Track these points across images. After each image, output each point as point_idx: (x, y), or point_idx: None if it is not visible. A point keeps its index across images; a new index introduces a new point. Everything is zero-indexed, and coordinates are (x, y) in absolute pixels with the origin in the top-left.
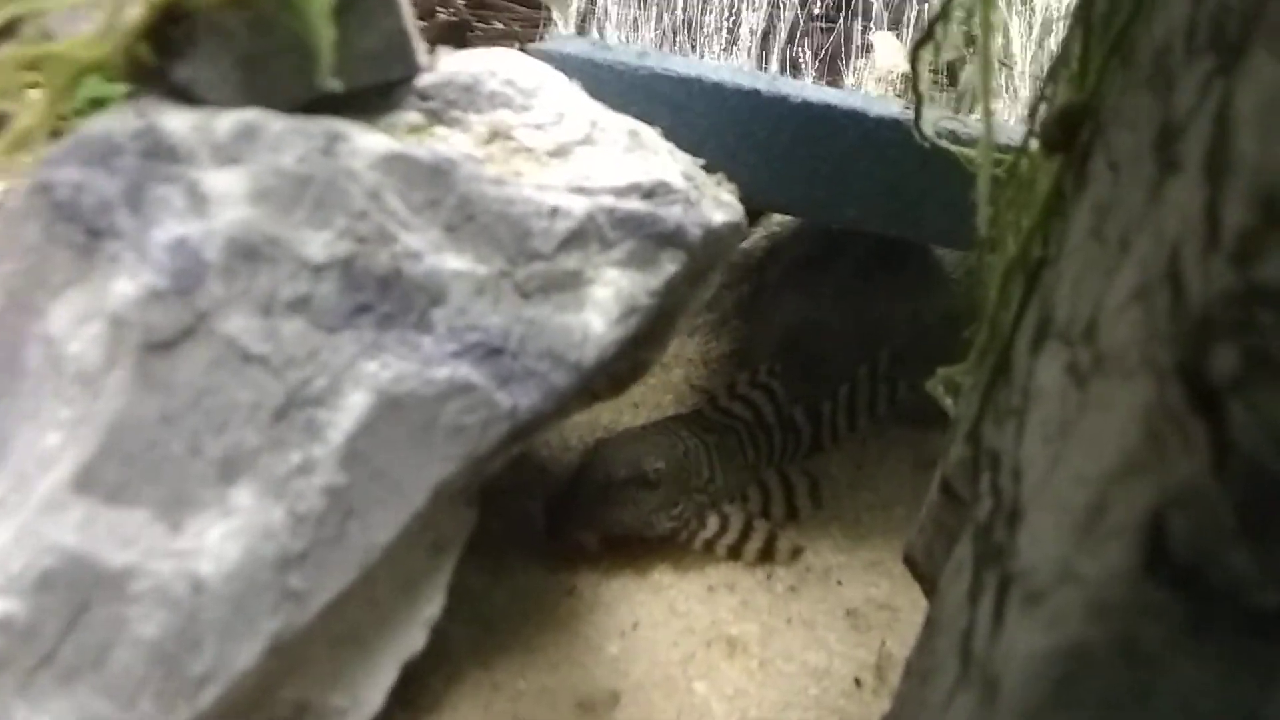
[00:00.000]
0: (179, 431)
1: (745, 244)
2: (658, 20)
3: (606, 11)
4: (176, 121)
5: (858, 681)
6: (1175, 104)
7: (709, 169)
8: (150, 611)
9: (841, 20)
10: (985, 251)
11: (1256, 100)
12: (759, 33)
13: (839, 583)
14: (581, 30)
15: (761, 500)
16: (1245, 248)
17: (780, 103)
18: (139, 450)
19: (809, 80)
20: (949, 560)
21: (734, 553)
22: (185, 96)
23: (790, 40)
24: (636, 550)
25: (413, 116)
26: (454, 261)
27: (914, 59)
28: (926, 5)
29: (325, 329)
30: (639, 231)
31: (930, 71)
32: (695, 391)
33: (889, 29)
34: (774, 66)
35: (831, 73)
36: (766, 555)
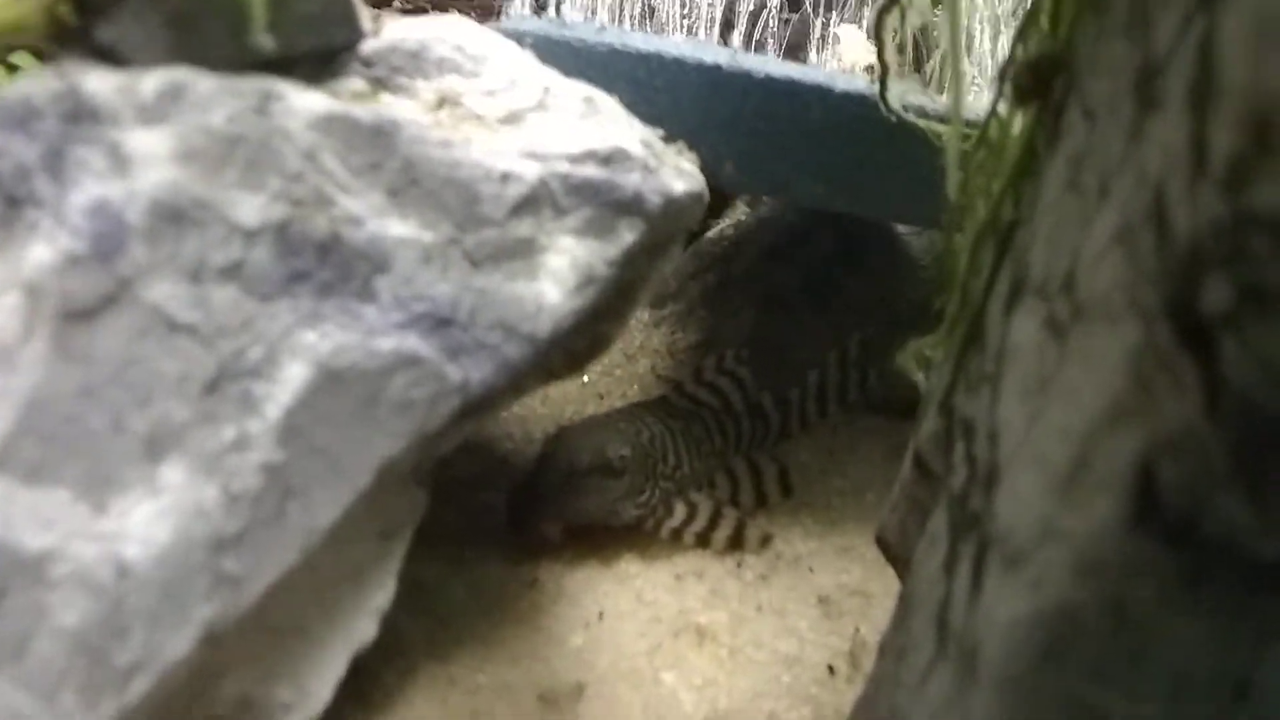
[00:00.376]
0: (101, 406)
1: (711, 234)
2: (618, 9)
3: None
4: (99, 83)
5: (831, 669)
6: (1154, 44)
7: (669, 141)
8: (72, 598)
9: (802, 10)
10: (955, 219)
11: (1242, 26)
12: (718, 22)
13: (810, 569)
14: (539, 12)
15: (730, 488)
16: (1235, 174)
17: (743, 78)
18: (58, 426)
19: None
20: (923, 535)
21: (702, 540)
22: (110, 58)
23: (750, 31)
24: (601, 540)
25: (356, 84)
26: (398, 227)
27: (879, 26)
28: None
29: (259, 297)
30: (595, 199)
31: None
32: (661, 382)
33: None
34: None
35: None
36: (736, 543)
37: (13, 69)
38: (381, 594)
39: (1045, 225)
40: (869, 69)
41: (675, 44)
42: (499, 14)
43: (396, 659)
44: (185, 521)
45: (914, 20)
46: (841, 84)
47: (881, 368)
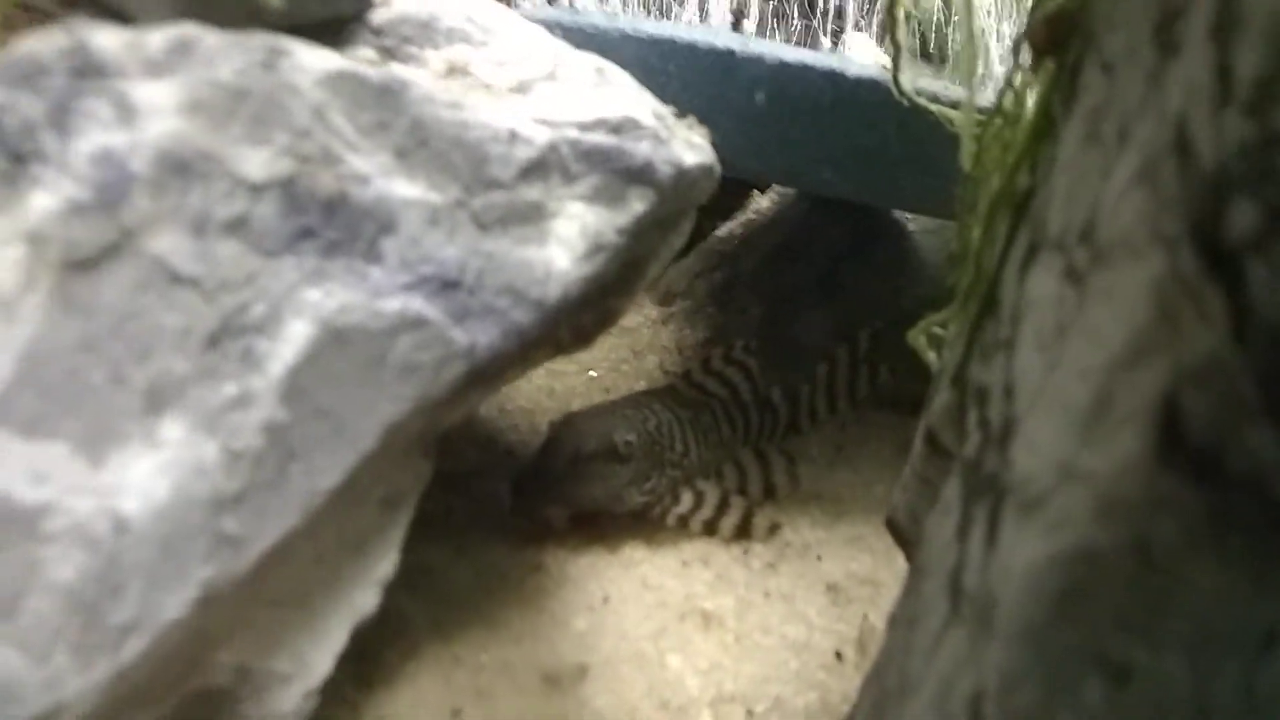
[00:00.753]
0: (101, 358)
1: (720, 233)
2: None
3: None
4: (107, 39)
5: (839, 655)
6: None
7: (680, 117)
8: (67, 553)
9: (809, 19)
10: (968, 192)
11: None
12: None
13: (819, 558)
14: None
15: (737, 478)
16: (1261, 95)
17: (755, 63)
18: (57, 379)
19: None
20: (935, 506)
21: (709, 528)
22: (118, 17)
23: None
24: (606, 526)
25: (365, 53)
26: (405, 188)
27: (891, 4)
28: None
29: (264, 253)
30: (605, 165)
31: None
32: (670, 379)
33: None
34: None
35: None
36: (743, 531)
37: None
38: (384, 565)
39: (1063, 183)
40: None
41: (687, 29)
42: (510, 2)
43: (399, 639)
44: (185, 478)
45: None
46: (854, 69)
47: (892, 364)
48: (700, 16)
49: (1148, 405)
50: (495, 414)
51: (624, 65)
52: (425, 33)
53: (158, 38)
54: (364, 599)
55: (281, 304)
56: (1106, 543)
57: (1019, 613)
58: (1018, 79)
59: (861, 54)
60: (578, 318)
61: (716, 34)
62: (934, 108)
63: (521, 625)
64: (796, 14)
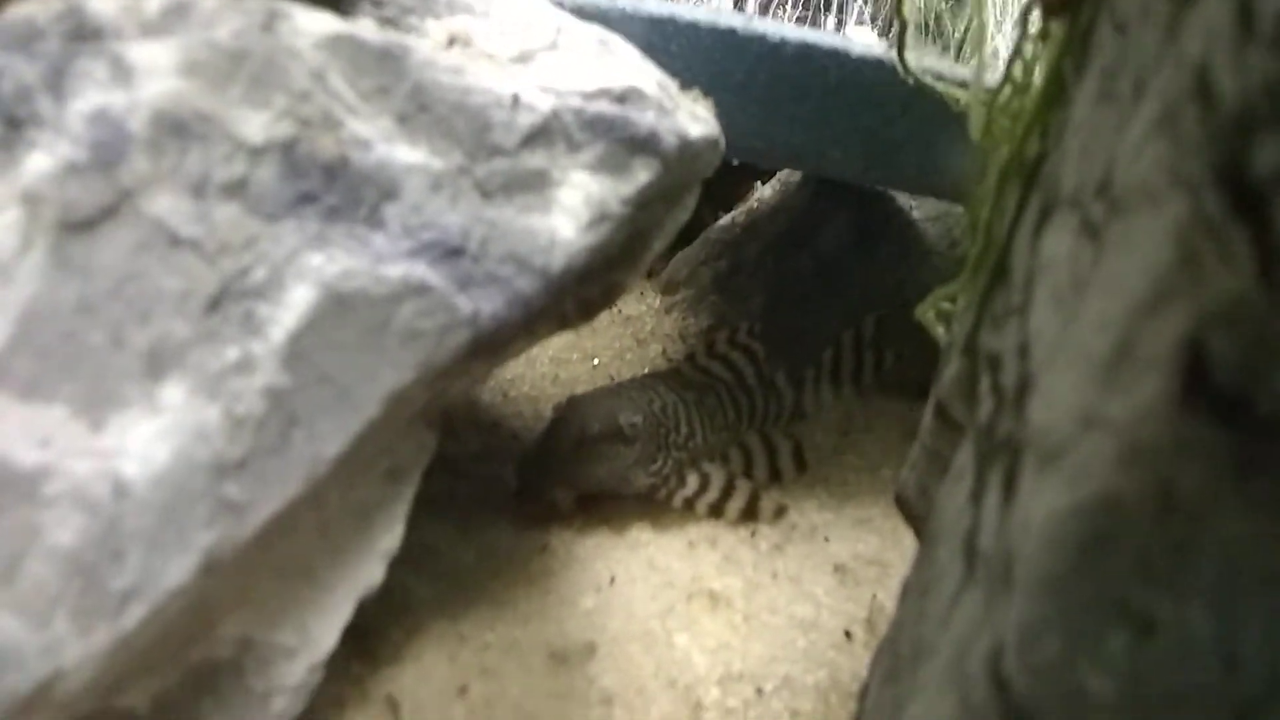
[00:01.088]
0: (100, 320)
1: (723, 222)
2: None
3: None
4: (103, 1)
5: (848, 634)
6: None
7: (684, 89)
8: (66, 516)
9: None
10: (978, 163)
11: None
12: None
13: (826, 539)
14: None
15: (743, 461)
16: None
17: (757, 42)
18: (55, 341)
19: None
20: (945, 477)
21: (715, 511)
22: None
23: None
24: (612, 508)
25: (365, 23)
26: (407, 154)
27: None
28: None
29: (264, 216)
30: (609, 134)
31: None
32: (674, 363)
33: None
34: None
35: None
36: (750, 514)
37: None
38: (389, 537)
39: (1076, 143)
40: None
41: (689, 8)
42: None
43: (404, 617)
44: (186, 443)
45: None
46: (858, 48)
47: (898, 349)
48: None
49: (1170, 349)
50: (499, 400)
51: None
52: (426, 3)
53: (155, 1)
54: (369, 572)
55: (283, 268)
56: (1129, 490)
57: (1040, 564)
58: (1027, 48)
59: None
60: (582, 290)
61: (718, 13)
62: (939, 86)
63: (528, 605)
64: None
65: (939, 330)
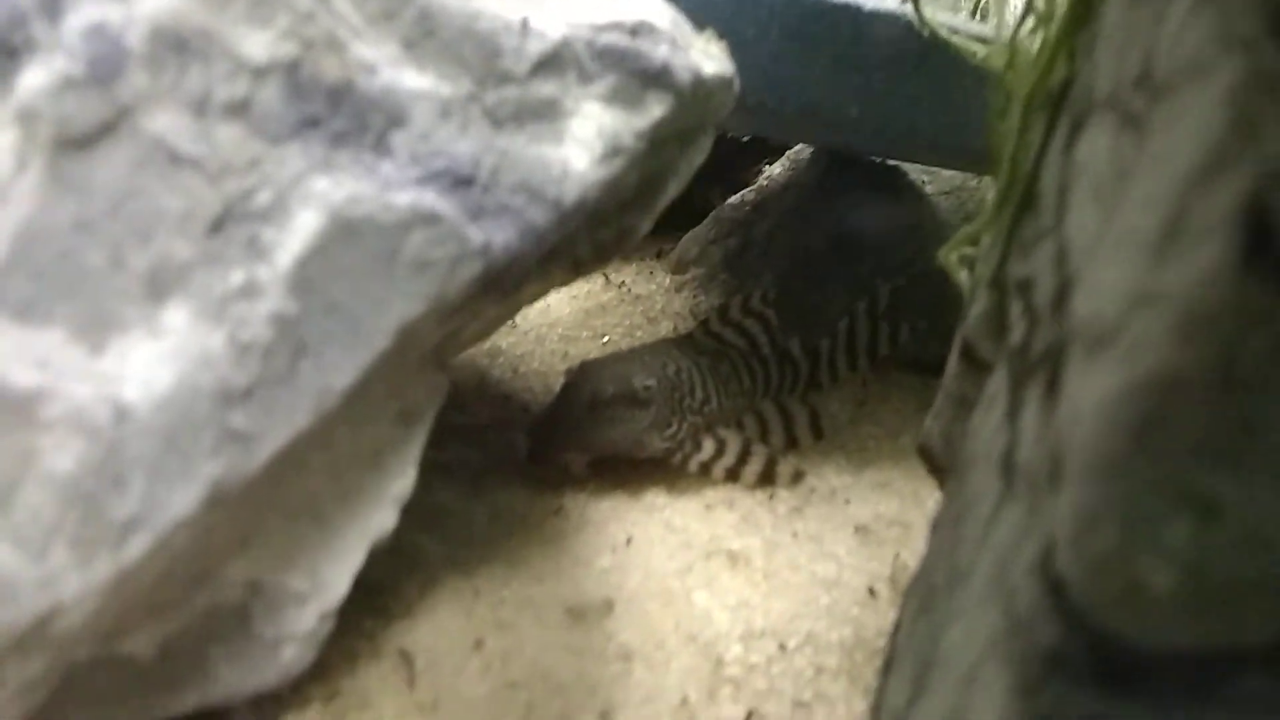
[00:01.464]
0: (98, 240)
1: (733, 200)
2: None
3: None
4: None
5: (871, 591)
6: None
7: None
8: (65, 441)
9: None
10: (999, 99)
11: None
12: None
13: (846, 502)
14: None
15: (759, 428)
16: None
17: None
18: (52, 261)
19: None
20: (975, 408)
21: (732, 475)
22: None
23: None
24: (626, 473)
25: None
26: (414, 80)
27: None
28: None
29: (268, 138)
30: (622, 66)
31: None
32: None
33: None
34: None
35: None
36: (767, 478)
37: None
38: (401, 482)
39: (1108, 50)
40: None
41: None
42: None
43: (416, 573)
44: (189, 368)
45: None
46: (870, 3)
47: (913, 322)
48: None
49: (1228, 214)
50: (509, 375)
51: None
52: None
53: None
54: (381, 517)
55: (288, 192)
56: (1188, 364)
57: (1094, 449)
58: None
59: None
60: (596, 232)
61: None
62: (955, 40)
63: (543, 563)
64: None
65: (962, 275)
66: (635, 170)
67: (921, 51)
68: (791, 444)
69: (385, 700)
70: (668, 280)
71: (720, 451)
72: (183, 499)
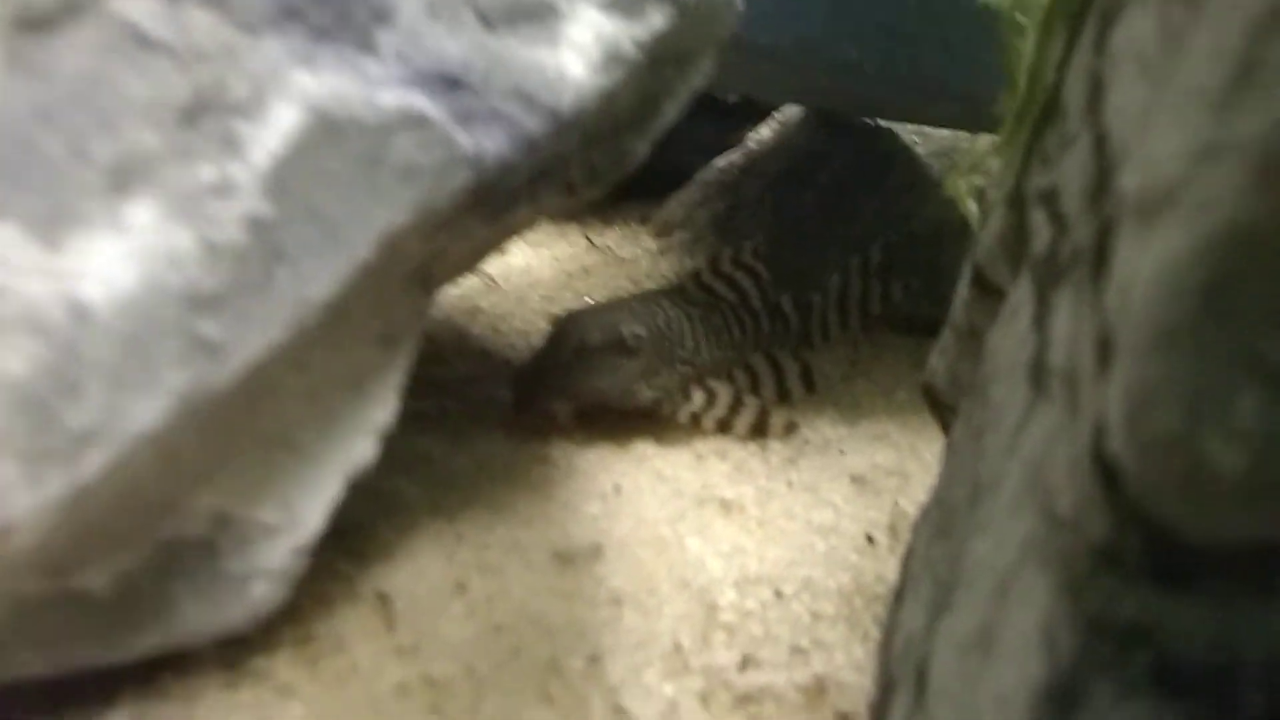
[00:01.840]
0: (58, 129)
1: (720, 163)
2: None
3: None
4: None
5: (870, 539)
6: None
7: None
8: (15, 341)
9: None
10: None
11: None
12: None
13: (841, 452)
14: None
15: (750, 381)
16: None
17: None
18: (7, 151)
19: None
20: (992, 325)
21: (723, 426)
22: None
23: None
24: (614, 423)
25: None
26: None
27: None
28: None
29: (244, 27)
30: None
31: None
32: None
33: None
34: None
35: None
36: (759, 430)
37: None
38: (382, 410)
39: None
40: None
41: None
42: None
43: (395, 516)
44: (155, 268)
45: None
46: None
47: (905, 281)
48: None
49: None
50: (490, 333)
51: None
52: None
53: None
54: (361, 447)
55: (265, 85)
56: (1264, 216)
57: (1154, 320)
58: None
59: None
60: (591, 154)
61: None
62: None
63: (529, 509)
64: None
65: (969, 204)
66: (634, 85)
67: None
68: (783, 397)
69: (362, 644)
70: (653, 244)
71: (711, 402)
72: (145, 411)
